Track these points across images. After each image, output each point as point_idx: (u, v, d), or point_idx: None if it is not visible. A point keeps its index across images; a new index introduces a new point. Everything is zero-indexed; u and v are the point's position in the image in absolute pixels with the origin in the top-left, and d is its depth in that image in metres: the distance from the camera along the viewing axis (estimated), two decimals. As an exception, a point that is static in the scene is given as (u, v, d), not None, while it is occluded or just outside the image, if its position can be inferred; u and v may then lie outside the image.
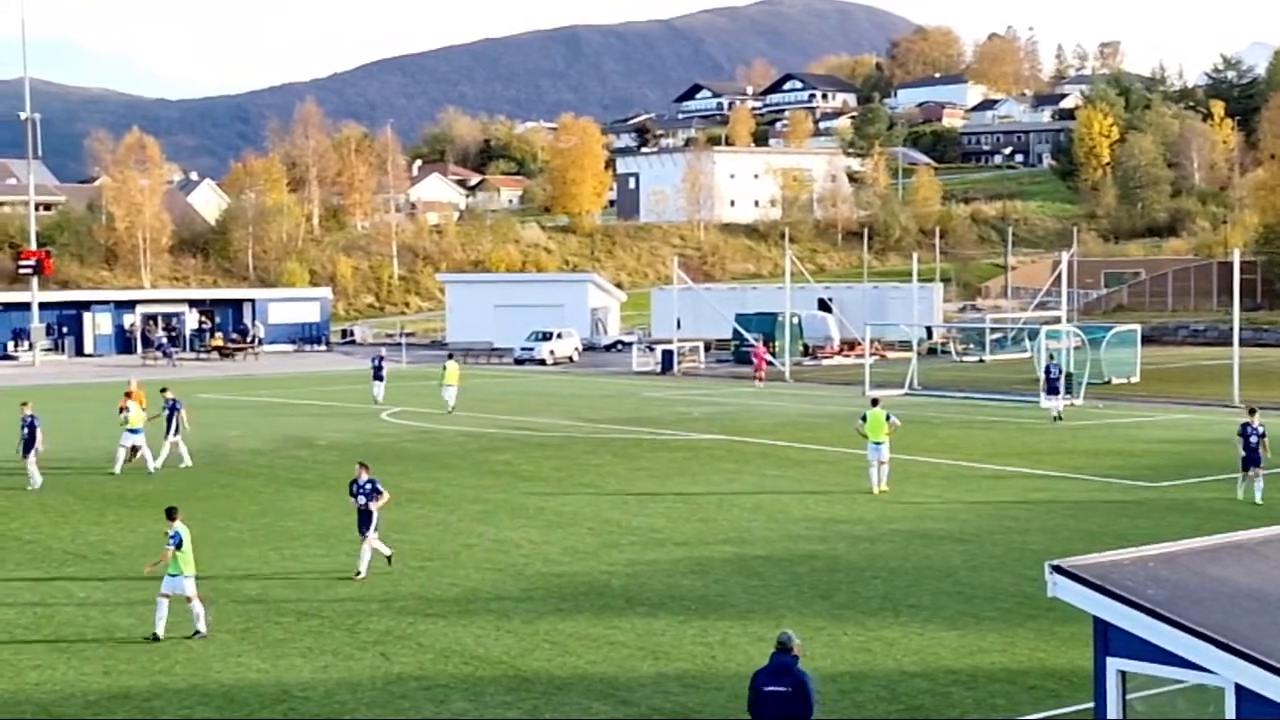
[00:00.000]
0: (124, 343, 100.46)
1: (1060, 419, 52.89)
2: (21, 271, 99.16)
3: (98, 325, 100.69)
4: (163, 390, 42.69)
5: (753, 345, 76.07)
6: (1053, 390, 54.47)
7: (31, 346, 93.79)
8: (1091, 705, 12.57)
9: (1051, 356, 61.78)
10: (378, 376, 62.68)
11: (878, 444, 35.86)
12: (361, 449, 45.45)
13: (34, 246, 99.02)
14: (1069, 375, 59.93)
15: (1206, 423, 52.31)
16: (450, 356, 64.64)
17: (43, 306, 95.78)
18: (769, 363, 74.43)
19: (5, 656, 21.42)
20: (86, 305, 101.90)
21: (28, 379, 79.06)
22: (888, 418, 36.14)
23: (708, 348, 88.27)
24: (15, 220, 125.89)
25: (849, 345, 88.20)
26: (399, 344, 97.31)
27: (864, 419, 36.45)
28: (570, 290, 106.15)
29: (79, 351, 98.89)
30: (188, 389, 71.45)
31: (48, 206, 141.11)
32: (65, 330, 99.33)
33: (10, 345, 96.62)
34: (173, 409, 41.65)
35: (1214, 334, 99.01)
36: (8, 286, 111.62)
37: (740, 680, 16.33)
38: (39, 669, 20.84)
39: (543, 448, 45.78)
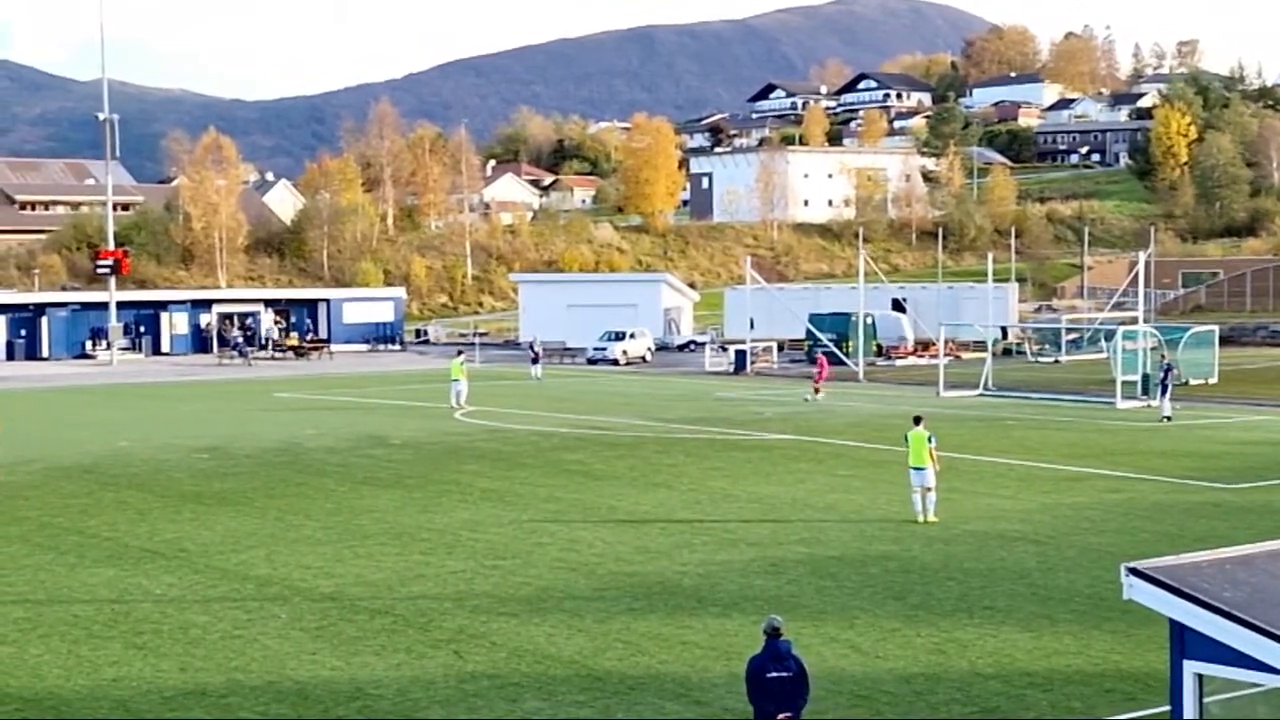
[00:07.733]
0: (200, 342, 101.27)
1: (1170, 419, 52.57)
2: (100, 271, 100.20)
3: (174, 325, 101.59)
4: None
5: (821, 349, 71.98)
6: (1165, 390, 54.28)
7: (109, 346, 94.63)
8: (1168, 708, 12.46)
9: (1164, 357, 61.46)
10: (535, 360, 77.38)
11: (919, 469, 31.54)
12: (435, 448, 45.67)
13: (112, 246, 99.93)
14: (1145, 376, 59.62)
15: (1286, 424, 51.79)
16: (459, 353, 64.74)
17: (120, 306, 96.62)
18: (834, 363, 72.89)
19: (83, 653, 21.60)
20: (163, 305, 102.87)
21: (105, 378, 79.88)
22: (929, 439, 31.58)
23: (781, 348, 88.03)
24: (94, 220, 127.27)
25: (923, 345, 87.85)
26: (473, 343, 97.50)
27: (906, 440, 32.32)
28: (643, 290, 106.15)
29: (156, 351, 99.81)
30: (264, 388, 72.21)
31: (125, 206, 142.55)
32: (142, 330, 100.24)
33: (88, 344, 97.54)
34: None
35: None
36: (86, 286, 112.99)
37: (814, 681, 16.25)
38: (116, 665, 21.01)
39: (615, 447, 45.78)
